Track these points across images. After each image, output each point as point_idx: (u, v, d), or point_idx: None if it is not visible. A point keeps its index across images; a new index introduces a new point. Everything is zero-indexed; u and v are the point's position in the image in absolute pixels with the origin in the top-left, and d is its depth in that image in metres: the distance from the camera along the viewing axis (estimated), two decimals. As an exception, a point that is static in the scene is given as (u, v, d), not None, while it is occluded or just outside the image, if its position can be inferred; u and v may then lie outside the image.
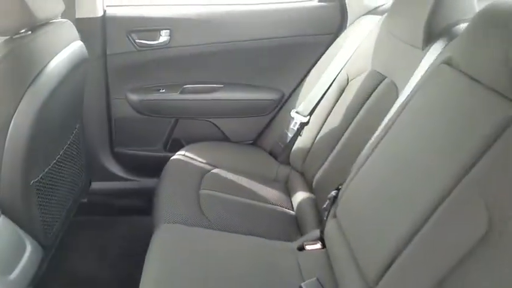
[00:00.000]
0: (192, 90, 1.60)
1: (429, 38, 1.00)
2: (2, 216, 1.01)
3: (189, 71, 1.60)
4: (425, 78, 0.88)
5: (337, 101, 1.33)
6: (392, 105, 1.01)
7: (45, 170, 1.13)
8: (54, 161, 1.19)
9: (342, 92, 1.32)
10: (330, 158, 1.22)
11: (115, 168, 1.70)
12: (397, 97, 1.03)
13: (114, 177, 1.69)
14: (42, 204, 1.13)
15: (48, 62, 1.03)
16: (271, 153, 1.55)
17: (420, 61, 0.99)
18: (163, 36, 1.53)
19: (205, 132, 1.67)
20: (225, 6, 1.57)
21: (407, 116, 0.87)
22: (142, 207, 1.67)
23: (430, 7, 0.99)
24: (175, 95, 1.60)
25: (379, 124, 1.00)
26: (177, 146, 1.67)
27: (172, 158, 1.47)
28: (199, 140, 1.61)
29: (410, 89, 0.92)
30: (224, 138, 1.68)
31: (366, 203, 0.87)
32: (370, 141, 0.98)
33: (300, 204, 1.29)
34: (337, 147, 1.21)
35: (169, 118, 1.65)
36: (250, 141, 1.68)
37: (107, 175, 1.67)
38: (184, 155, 1.48)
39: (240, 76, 1.61)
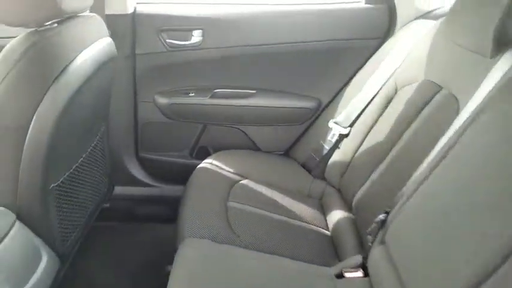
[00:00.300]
0: (223, 95, 1.51)
1: (500, 46, 0.87)
2: (18, 222, 0.93)
3: (220, 74, 1.51)
4: (495, 92, 0.76)
5: (383, 112, 1.20)
6: (451, 121, 0.89)
7: (66, 174, 1.06)
8: (77, 164, 1.12)
9: (388, 102, 1.20)
10: (373, 176, 1.10)
11: (139, 173, 1.63)
12: (457, 112, 0.91)
13: (138, 183, 1.62)
14: (61, 210, 1.05)
15: (75, 58, 0.96)
16: (304, 166, 1.44)
17: (488, 72, 0.86)
18: (196, 37, 1.45)
19: (234, 140, 1.58)
20: (262, 6, 1.47)
21: (473, 136, 0.74)
22: (165, 215, 1.60)
23: (501, 10, 0.86)
24: (205, 100, 1.51)
25: (434, 141, 0.88)
26: (203, 153, 1.59)
27: (199, 166, 1.38)
28: (227, 148, 1.52)
29: (476, 104, 0.79)
30: (254, 147, 1.58)
31: (423, 233, 0.75)
32: (427, 162, 0.86)
33: (336, 224, 1.17)
34: (383, 165, 1.09)
35: (197, 123, 1.57)
36: (281, 152, 1.57)
37: (130, 180, 1.61)
38: (211, 163, 1.39)
39: (274, 82, 1.51)
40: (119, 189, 1.56)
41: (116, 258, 1.50)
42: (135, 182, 1.61)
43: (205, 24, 1.44)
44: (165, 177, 1.64)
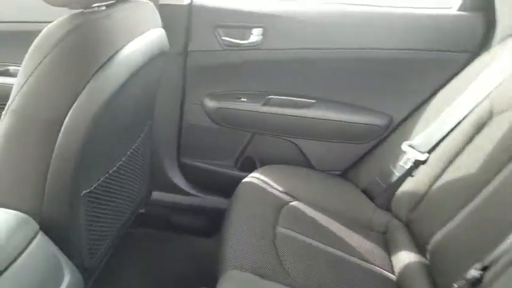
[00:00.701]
0: (277, 103, 1.36)
1: None
2: (40, 233, 0.80)
3: (277, 79, 1.35)
4: None
5: (472, 139, 1.00)
6: None
7: (101, 179, 0.93)
8: (114, 169, 1.00)
9: (480, 128, 0.99)
10: (459, 217, 0.90)
11: (179, 180, 1.51)
12: None
13: (176, 190, 1.50)
14: (91, 220, 0.93)
15: (123, 47, 0.83)
16: (365, 192, 1.25)
17: None
18: (255, 36, 1.30)
19: (285, 153, 1.42)
20: (334, 6, 1.30)
21: None
22: (203, 227, 1.52)
23: None
24: (257, 106, 1.36)
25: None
26: (249, 164, 1.45)
27: (244, 180, 1.23)
28: (276, 162, 1.36)
29: None
30: (306, 164, 1.41)
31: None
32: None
33: (405, 268, 0.98)
34: (473, 205, 0.88)
35: (245, 131, 1.42)
36: (338, 172, 1.39)
37: (168, 186, 1.49)
38: (258, 178, 1.23)
39: (338, 92, 1.33)
40: (155, 195, 1.45)
41: (146, 267, 1.39)
42: (173, 188, 1.49)
43: (267, 22, 1.29)
44: (205, 187, 1.51)
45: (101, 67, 0.76)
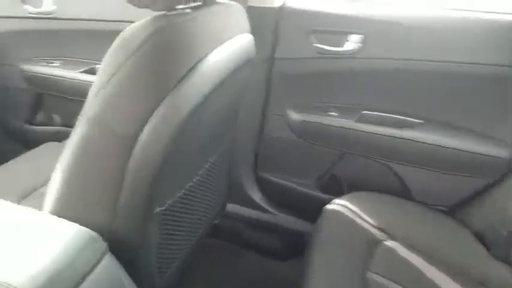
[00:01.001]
0: (373, 120, 1.18)
1: None
2: (109, 254, 0.72)
3: (374, 92, 1.18)
4: None
5: None
6: None
7: (177, 196, 0.85)
8: (191, 183, 0.91)
9: None
10: None
11: (254, 194, 1.41)
12: None
13: (251, 204, 1.40)
14: (163, 238, 0.85)
15: (209, 54, 0.73)
16: (479, 237, 1.02)
17: None
18: (351, 43, 1.14)
19: (379, 178, 1.23)
20: (448, 11, 1.09)
21: None
22: (274, 246, 1.41)
23: None
24: (349, 122, 1.19)
25: None
26: (334, 185, 1.30)
27: (330, 207, 1.08)
28: (367, 187, 1.18)
29: None
30: (405, 194, 1.21)
31: None
32: None
33: None
34: None
35: (334, 150, 1.26)
36: (445, 208, 1.17)
37: (243, 199, 1.40)
38: (346, 206, 1.07)
39: (450, 113, 1.12)
40: (229, 207, 1.37)
41: (213, 281, 1.31)
42: (248, 202, 1.40)
43: (367, 28, 1.12)
44: (283, 204, 1.39)
45: (184, 76, 0.67)
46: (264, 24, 1.14)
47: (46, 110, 1.58)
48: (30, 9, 1.39)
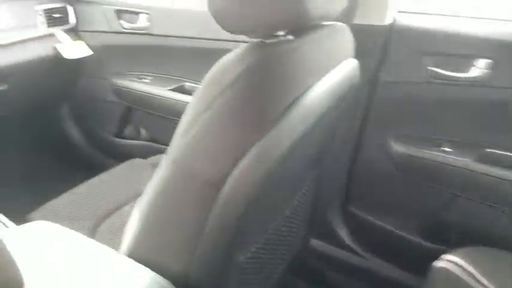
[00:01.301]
0: (498, 159, 0.98)
1: None
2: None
3: (499, 128, 0.97)
4: None
5: None
6: None
7: (261, 241, 0.75)
8: (274, 225, 0.80)
9: None
10: None
11: (342, 231, 1.26)
12: None
13: (336, 242, 1.25)
14: (241, 284, 0.76)
15: (310, 88, 0.61)
16: None
17: None
18: (477, 68, 0.95)
19: (496, 230, 1.02)
20: None
21: None
22: None
23: None
24: (466, 162, 1.00)
25: None
26: (441, 233, 1.10)
27: (438, 264, 0.90)
28: (482, 240, 0.97)
29: None
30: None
31: None
32: None
33: None
34: None
35: (443, 191, 1.06)
36: None
37: (327, 235, 1.25)
38: (459, 264, 0.88)
39: None
40: (312, 242, 1.24)
41: None
42: (334, 240, 1.25)
43: (499, 53, 0.92)
44: (375, 247, 1.22)
45: (280, 116, 0.56)
46: (370, 43, 0.99)
47: (134, 124, 1.59)
48: (125, 24, 1.39)
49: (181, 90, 1.39)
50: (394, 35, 1.00)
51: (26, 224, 0.78)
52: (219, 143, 0.56)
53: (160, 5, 1.34)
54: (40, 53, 1.37)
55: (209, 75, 0.57)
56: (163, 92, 1.37)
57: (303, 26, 0.59)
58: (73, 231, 0.78)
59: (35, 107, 1.61)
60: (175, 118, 1.42)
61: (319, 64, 0.64)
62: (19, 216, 0.96)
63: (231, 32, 0.58)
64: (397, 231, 1.16)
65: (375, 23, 0.98)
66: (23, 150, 1.64)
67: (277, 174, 0.60)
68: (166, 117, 1.39)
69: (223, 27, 0.57)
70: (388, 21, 0.98)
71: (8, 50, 1.27)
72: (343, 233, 1.25)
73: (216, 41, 1.23)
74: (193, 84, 1.40)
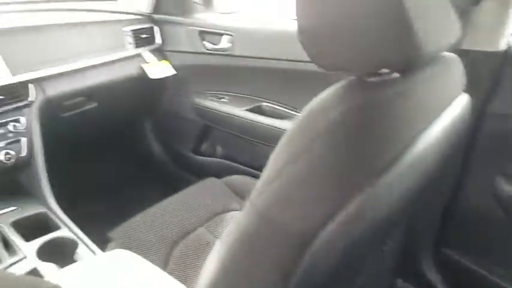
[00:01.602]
0: None
1: None
2: None
3: None
4: None
5: None
6: None
7: None
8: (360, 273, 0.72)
9: None
10: None
11: (432, 275, 1.14)
12: None
13: (424, 284, 1.13)
14: None
15: (418, 136, 0.52)
16: None
17: None
18: None
19: None
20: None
21: None
22: None
23: None
24: None
25: None
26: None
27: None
28: None
29: None
30: None
31: None
32: None
33: None
34: None
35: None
36: None
37: (415, 278, 1.14)
38: None
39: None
40: (399, 283, 1.15)
41: None
42: (423, 284, 1.13)
43: None
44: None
45: (384, 169, 0.47)
46: (481, 71, 0.86)
47: (210, 142, 1.59)
48: (208, 45, 1.39)
49: (258, 110, 1.36)
50: (509, 62, 0.85)
51: (107, 253, 0.78)
52: (311, 195, 0.49)
53: (243, 26, 1.32)
54: (127, 72, 1.42)
55: (302, 117, 0.50)
56: (242, 112, 1.35)
57: (412, 64, 0.50)
58: (149, 263, 0.77)
59: (122, 123, 1.67)
60: (253, 140, 1.41)
61: (429, 106, 0.55)
62: (100, 234, 0.99)
63: (326, 69, 0.51)
64: (502, 282, 1.01)
65: (487, 49, 0.85)
66: (110, 163, 1.72)
67: (372, 229, 0.52)
68: (243, 137, 1.37)
69: (316, 63, 0.51)
70: (502, 46, 0.85)
71: (98, 70, 1.33)
72: (433, 277, 1.12)
73: (297, 62, 1.18)
74: (270, 104, 1.35)
